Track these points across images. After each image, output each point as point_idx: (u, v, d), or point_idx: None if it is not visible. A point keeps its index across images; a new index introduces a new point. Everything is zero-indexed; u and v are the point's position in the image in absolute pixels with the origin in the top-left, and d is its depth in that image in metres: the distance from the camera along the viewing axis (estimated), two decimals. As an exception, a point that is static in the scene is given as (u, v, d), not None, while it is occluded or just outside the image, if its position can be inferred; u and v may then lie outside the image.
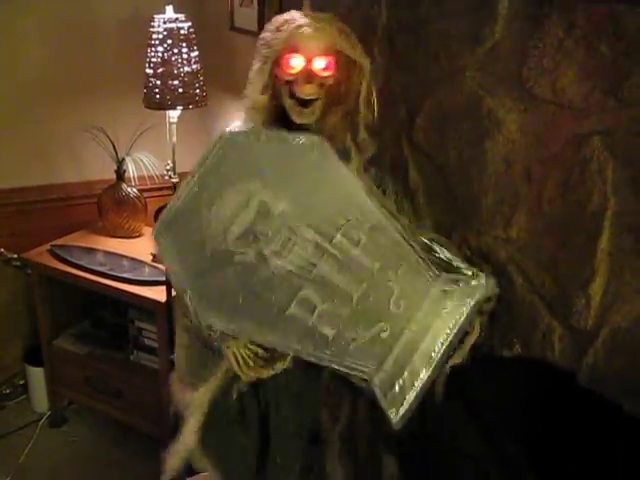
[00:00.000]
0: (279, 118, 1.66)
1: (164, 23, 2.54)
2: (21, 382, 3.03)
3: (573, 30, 1.50)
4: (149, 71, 2.58)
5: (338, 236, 1.57)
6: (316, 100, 1.62)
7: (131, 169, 2.81)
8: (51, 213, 2.91)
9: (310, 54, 1.58)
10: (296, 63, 1.58)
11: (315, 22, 1.59)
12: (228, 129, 1.60)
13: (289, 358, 1.60)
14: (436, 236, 1.69)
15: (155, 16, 2.54)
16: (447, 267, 1.63)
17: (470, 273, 1.62)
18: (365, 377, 1.55)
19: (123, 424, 2.88)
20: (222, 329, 1.54)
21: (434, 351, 1.53)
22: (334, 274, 1.55)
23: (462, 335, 1.58)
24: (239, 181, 1.56)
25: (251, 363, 1.60)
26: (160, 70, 2.57)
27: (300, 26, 1.58)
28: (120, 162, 2.82)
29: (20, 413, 2.99)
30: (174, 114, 2.64)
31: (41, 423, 2.92)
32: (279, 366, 1.61)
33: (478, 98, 1.70)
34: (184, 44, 2.58)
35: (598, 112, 1.49)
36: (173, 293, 1.90)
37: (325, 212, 1.58)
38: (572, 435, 1.67)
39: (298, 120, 1.63)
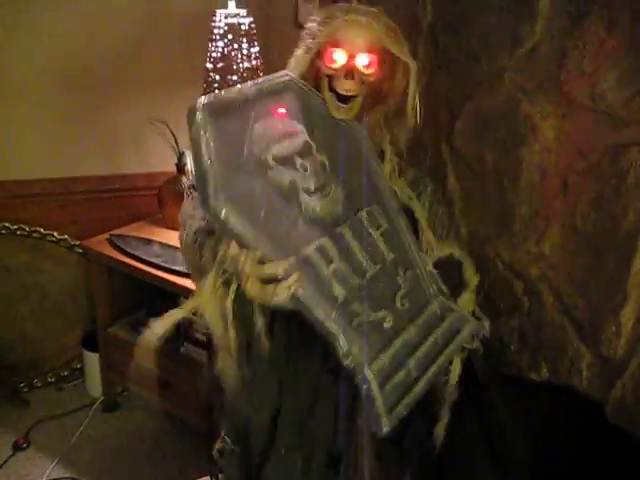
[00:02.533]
0: None
1: (225, 18, 2.53)
2: (78, 366, 3.10)
3: (614, 29, 1.38)
4: (209, 66, 2.58)
5: (363, 212, 1.50)
6: (355, 97, 1.56)
7: (190, 162, 2.82)
8: (113, 203, 2.97)
9: (353, 50, 1.51)
10: (338, 57, 1.52)
11: (362, 17, 1.52)
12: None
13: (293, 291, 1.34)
14: (458, 253, 1.59)
15: (217, 11, 2.53)
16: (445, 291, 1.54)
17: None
18: (359, 362, 1.37)
19: (171, 414, 2.90)
20: (237, 227, 1.32)
21: (428, 364, 1.43)
22: (354, 242, 1.47)
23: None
24: (291, 116, 1.50)
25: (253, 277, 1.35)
26: (220, 65, 2.56)
27: (346, 20, 1.51)
28: (180, 155, 2.84)
29: (76, 396, 3.05)
30: (232, 109, 2.63)
31: (94, 407, 2.97)
32: (283, 294, 1.34)
33: (516, 102, 1.60)
34: (244, 39, 2.56)
35: (638, 120, 1.36)
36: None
37: (356, 189, 1.52)
38: (596, 471, 1.53)
39: (335, 115, 1.57)
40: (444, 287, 1.55)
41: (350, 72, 1.51)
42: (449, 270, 1.63)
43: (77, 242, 2.94)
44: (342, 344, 1.35)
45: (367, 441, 1.69)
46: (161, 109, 2.83)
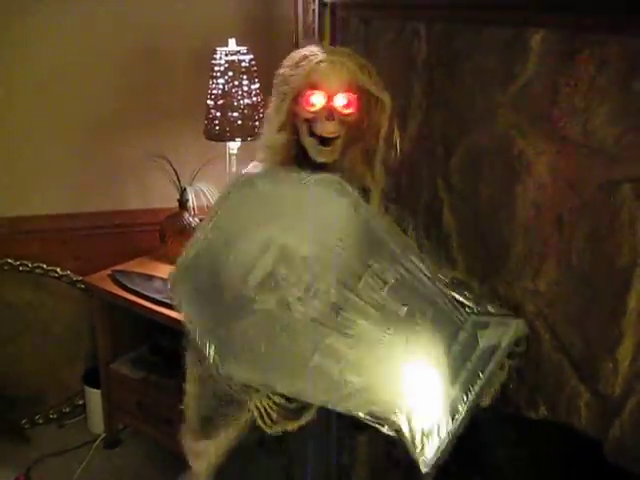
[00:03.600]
0: (297, 156, 1.59)
1: (226, 55, 2.56)
2: (80, 402, 3.08)
3: (605, 66, 1.38)
4: (210, 102, 2.60)
5: (362, 282, 1.49)
6: (337, 138, 1.55)
7: (192, 199, 2.83)
8: (116, 238, 2.97)
9: (331, 91, 1.50)
10: (317, 100, 1.51)
11: (336, 57, 1.51)
12: (244, 172, 1.56)
13: (315, 408, 1.49)
14: (460, 276, 1.58)
15: (217, 48, 2.56)
16: (476, 306, 1.52)
17: (498, 315, 1.50)
18: (395, 426, 1.44)
19: (173, 451, 2.87)
20: (243, 380, 1.45)
21: (463, 399, 1.43)
22: (361, 320, 1.47)
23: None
24: (258, 225, 1.50)
25: (274, 415, 1.47)
26: (220, 102, 2.58)
27: (320, 61, 1.50)
28: (182, 191, 2.85)
29: (77, 432, 3.03)
30: (234, 145, 2.64)
31: (96, 444, 2.96)
32: (305, 417, 1.48)
33: (509, 138, 1.60)
34: (245, 76, 2.58)
35: (630, 157, 1.35)
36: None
37: (348, 256, 1.50)
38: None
39: (318, 159, 1.55)
40: (470, 302, 1.53)
41: (330, 113, 1.50)
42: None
43: (79, 278, 2.94)
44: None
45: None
46: (163, 145, 2.85)
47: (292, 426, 1.47)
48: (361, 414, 1.43)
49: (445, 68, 1.77)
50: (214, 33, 2.72)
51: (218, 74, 2.58)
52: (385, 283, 1.49)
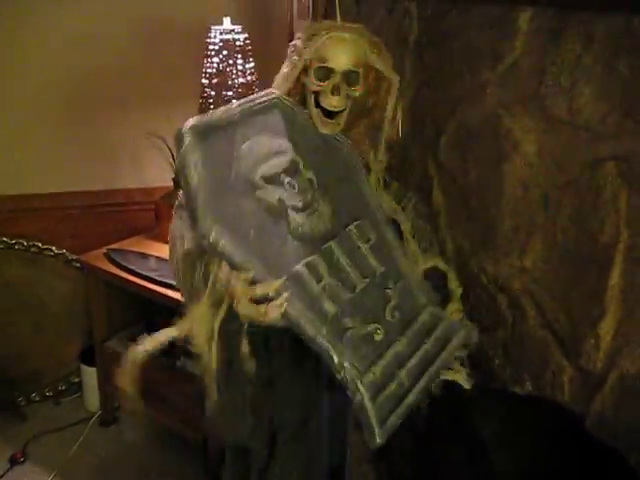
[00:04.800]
0: None
1: (220, 34, 2.56)
2: (76, 380, 3.11)
3: (591, 45, 1.39)
4: (204, 81, 2.60)
5: (352, 226, 1.51)
6: (342, 112, 1.58)
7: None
8: (111, 217, 2.99)
9: (339, 66, 1.55)
10: (324, 74, 1.56)
11: (346, 34, 1.55)
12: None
13: (284, 310, 1.37)
14: (441, 265, 1.60)
15: (212, 27, 2.56)
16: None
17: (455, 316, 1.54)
18: (351, 376, 1.38)
19: (168, 428, 2.90)
20: (223, 248, 1.34)
21: (420, 375, 1.44)
22: (343, 257, 1.49)
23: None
24: (277, 136, 1.53)
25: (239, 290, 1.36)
26: (215, 81, 2.58)
27: (331, 37, 1.55)
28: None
29: (73, 410, 3.05)
30: (228, 125, 2.65)
31: (92, 421, 2.98)
32: (275, 313, 1.36)
33: (497, 117, 1.61)
34: (239, 55, 2.58)
35: (615, 135, 1.37)
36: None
37: (343, 203, 1.53)
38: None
39: (322, 130, 1.59)
40: (434, 296, 1.56)
41: (336, 88, 1.54)
42: (434, 282, 1.65)
43: (75, 256, 2.95)
44: (334, 359, 1.37)
45: (365, 452, 1.71)
46: (158, 124, 2.85)
47: (261, 314, 1.36)
48: (326, 347, 1.36)
49: (435, 47, 1.77)
50: (209, 12, 2.72)
51: (213, 53, 2.58)
52: (368, 240, 1.51)
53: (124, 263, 2.78)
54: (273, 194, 1.44)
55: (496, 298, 1.64)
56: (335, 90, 1.54)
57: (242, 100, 1.55)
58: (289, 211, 1.44)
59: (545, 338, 1.55)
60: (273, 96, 1.56)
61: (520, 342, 1.60)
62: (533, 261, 1.56)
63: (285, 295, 1.35)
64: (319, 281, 1.41)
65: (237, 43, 2.58)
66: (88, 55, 2.78)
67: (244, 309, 1.37)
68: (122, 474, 2.79)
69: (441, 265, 1.62)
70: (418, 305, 1.51)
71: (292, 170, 1.49)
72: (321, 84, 1.55)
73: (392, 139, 1.65)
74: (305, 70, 1.57)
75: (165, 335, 1.54)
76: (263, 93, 1.58)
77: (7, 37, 2.71)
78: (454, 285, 1.62)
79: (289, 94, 1.61)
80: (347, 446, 1.67)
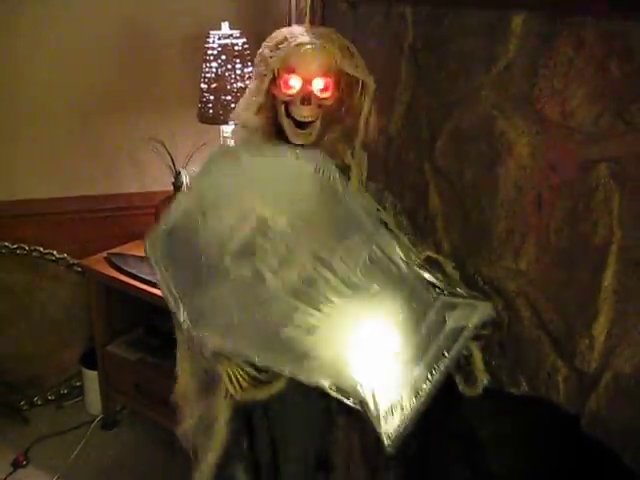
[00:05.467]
0: (276, 134, 1.61)
1: (219, 39, 2.58)
2: (78, 384, 3.12)
3: (583, 48, 1.40)
4: (203, 86, 2.62)
5: (336, 258, 1.52)
6: (313, 122, 1.56)
7: (186, 182, 2.85)
8: (112, 221, 3.00)
9: (308, 75, 1.51)
10: (293, 84, 1.52)
11: (315, 40, 1.51)
12: (227, 144, 1.59)
13: (285, 380, 1.55)
14: (433, 255, 1.62)
15: (211, 32, 2.58)
16: (446, 287, 1.56)
17: (467, 297, 1.54)
18: (359, 397, 1.44)
19: (170, 431, 2.91)
20: (215, 347, 1.47)
21: (428, 377, 1.45)
22: (332, 296, 1.50)
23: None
24: (237, 196, 1.54)
25: (244, 384, 1.50)
26: (214, 85, 2.60)
27: (299, 44, 1.51)
28: (177, 175, 2.87)
29: (75, 414, 3.07)
30: (227, 129, 2.66)
31: (93, 425, 3.00)
32: (275, 388, 1.51)
33: (492, 119, 1.62)
34: (238, 60, 2.60)
35: (607, 137, 1.38)
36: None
37: (324, 231, 1.54)
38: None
39: (294, 141, 1.57)
40: (440, 284, 1.57)
41: (307, 98, 1.51)
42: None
43: (76, 261, 2.97)
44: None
45: (359, 449, 1.72)
46: (158, 129, 2.88)
47: (261, 395, 1.48)
48: (326, 385, 1.43)
49: (430, 51, 1.79)
50: (208, 17, 2.74)
51: (211, 57, 2.60)
52: (358, 260, 1.51)
53: (124, 267, 2.80)
54: (247, 269, 1.49)
55: (492, 300, 1.65)
56: (305, 100, 1.51)
57: (195, 174, 1.61)
58: (266, 276, 1.49)
59: (540, 339, 1.56)
60: (220, 150, 1.59)
61: (516, 343, 1.61)
62: (527, 263, 1.57)
63: (282, 382, 1.45)
64: (310, 332, 1.48)
65: (235, 48, 2.60)
66: (87, 59, 2.80)
67: (245, 394, 1.47)
68: (124, 477, 2.80)
69: (432, 254, 1.63)
70: (425, 303, 1.52)
71: (260, 230, 1.51)
72: (290, 94, 1.53)
73: (368, 140, 1.65)
74: (273, 80, 1.54)
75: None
76: (212, 153, 1.61)
77: (7, 40, 2.73)
78: (449, 270, 1.63)
79: (261, 108, 1.58)
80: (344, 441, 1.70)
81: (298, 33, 1.54)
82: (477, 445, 1.69)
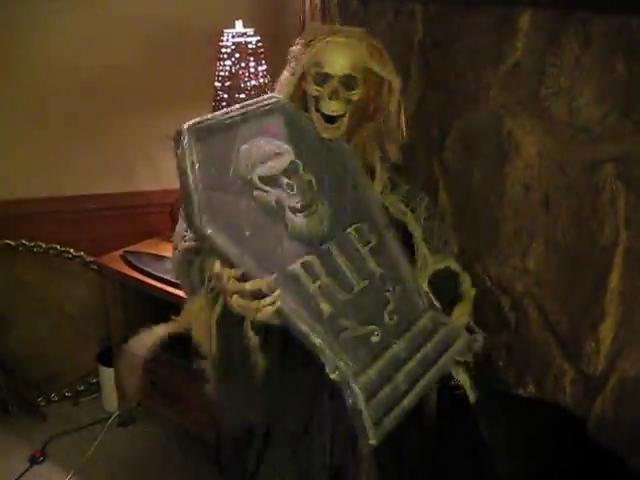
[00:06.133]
0: None
1: (233, 37, 2.58)
2: (94, 380, 3.14)
3: (589, 45, 1.38)
4: (217, 84, 2.62)
5: (351, 229, 1.52)
6: (342, 116, 1.59)
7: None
8: (128, 219, 3.01)
9: (336, 71, 1.55)
10: (322, 79, 1.56)
11: (344, 38, 1.56)
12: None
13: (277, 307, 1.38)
14: (454, 265, 1.60)
15: (225, 30, 2.58)
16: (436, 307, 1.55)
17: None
18: (345, 376, 1.38)
19: (185, 429, 2.92)
20: (218, 245, 1.36)
21: (418, 378, 1.43)
22: (341, 258, 1.49)
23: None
24: (277, 138, 1.54)
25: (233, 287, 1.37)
26: (227, 84, 2.60)
27: (329, 42, 1.55)
28: (192, 173, 2.88)
29: (91, 410, 3.08)
30: (242, 127, 2.67)
31: (109, 422, 3.02)
32: (267, 311, 1.37)
33: (499, 118, 1.61)
34: (252, 58, 2.60)
35: (614, 136, 1.36)
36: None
37: (343, 206, 1.54)
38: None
39: (323, 134, 1.60)
40: (436, 302, 1.56)
41: (335, 93, 1.54)
42: (446, 283, 1.64)
43: (92, 259, 2.99)
44: (328, 358, 1.37)
45: (367, 456, 1.69)
46: (173, 127, 2.88)
47: (254, 311, 1.37)
48: (321, 346, 1.36)
49: (440, 49, 1.77)
50: (222, 15, 2.74)
51: (225, 56, 2.60)
52: (368, 242, 1.51)
53: (140, 265, 2.81)
54: (271, 195, 1.45)
55: (499, 300, 1.63)
56: (333, 95, 1.54)
57: (245, 102, 1.57)
58: (287, 212, 1.45)
59: (547, 340, 1.54)
60: (275, 100, 1.57)
61: (523, 344, 1.59)
62: (535, 263, 1.56)
63: (278, 292, 1.36)
64: (315, 280, 1.42)
65: (249, 46, 2.60)
66: (103, 58, 2.81)
67: (236, 306, 1.39)
68: (140, 474, 2.81)
69: (454, 266, 1.62)
70: (418, 309, 1.51)
71: (291, 172, 1.50)
72: (319, 89, 1.56)
73: (398, 141, 1.66)
74: (304, 75, 1.58)
75: (164, 329, 1.59)
76: (266, 97, 1.59)
77: (19, 40, 2.74)
78: (467, 286, 1.61)
79: (291, 99, 1.62)
80: (349, 447, 1.66)
81: (328, 32, 1.58)
82: (484, 446, 1.67)
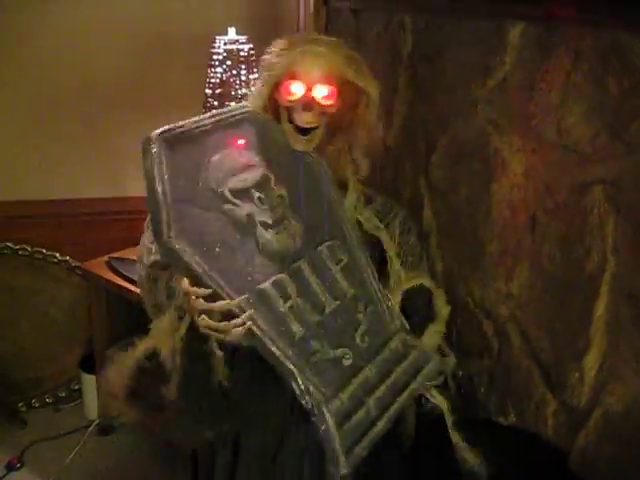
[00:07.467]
0: None
1: (224, 44, 2.53)
2: (77, 387, 3.09)
3: (580, 61, 1.32)
4: (208, 91, 2.57)
5: (323, 247, 1.46)
6: (315, 128, 1.52)
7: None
8: (114, 225, 2.95)
9: (311, 81, 1.48)
10: (296, 90, 1.49)
11: (319, 48, 1.48)
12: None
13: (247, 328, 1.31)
14: (428, 282, 1.54)
15: (217, 37, 2.53)
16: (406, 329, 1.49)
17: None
18: (316, 402, 1.33)
19: (166, 440, 2.87)
20: (185, 261, 1.30)
21: (389, 403, 1.37)
22: (312, 277, 1.43)
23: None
24: (249, 150, 1.48)
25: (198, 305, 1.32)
26: (218, 91, 2.55)
27: (303, 51, 1.48)
28: (181, 179, 2.84)
29: (73, 417, 3.02)
30: (231, 134, 2.62)
31: (90, 430, 2.96)
32: (237, 332, 1.30)
33: (486, 135, 1.54)
34: (243, 66, 2.55)
35: (603, 158, 1.30)
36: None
37: (315, 222, 1.48)
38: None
39: (295, 147, 1.53)
40: (406, 323, 1.50)
41: (308, 104, 1.48)
42: (419, 301, 1.58)
43: (78, 263, 2.94)
44: (299, 382, 1.32)
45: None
46: (163, 133, 2.84)
47: (225, 333, 1.32)
48: (293, 371, 1.31)
49: (428, 61, 1.71)
50: (214, 21, 2.69)
51: (216, 63, 2.55)
52: (340, 261, 1.45)
53: (125, 272, 2.76)
54: (242, 209, 1.40)
55: (482, 324, 1.57)
56: (307, 106, 1.48)
57: (216, 111, 1.51)
58: (258, 227, 1.40)
59: (530, 368, 1.48)
60: (247, 109, 1.52)
61: (505, 371, 1.53)
62: (519, 287, 1.49)
63: (249, 313, 1.31)
64: (286, 300, 1.36)
65: (241, 53, 2.54)
66: (91, 62, 2.77)
67: (203, 326, 1.33)
68: (116, 484, 2.77)
69: (427, 283, 1.55)
70: (389, 331, 1.45)
71: (263, 185, 1.44)
72: (292, 100, 1.49)
73: (371, 155, 1.59)
74: (277, 85, 1.51)
75: (131, 358, 1.55)
76: (238, 106, 1.54)
77: (10, 44, 2.70)
78: (440, 304, 1.55)
79: (263, 109, 1.55)
80: (322, 473, 1.60)
81: (302, 40, 1.51)
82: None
